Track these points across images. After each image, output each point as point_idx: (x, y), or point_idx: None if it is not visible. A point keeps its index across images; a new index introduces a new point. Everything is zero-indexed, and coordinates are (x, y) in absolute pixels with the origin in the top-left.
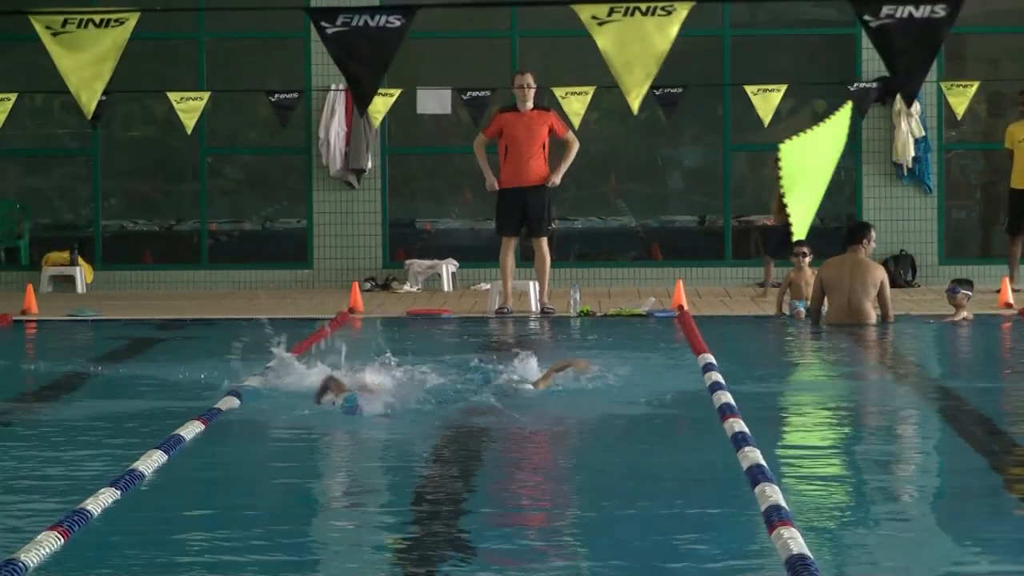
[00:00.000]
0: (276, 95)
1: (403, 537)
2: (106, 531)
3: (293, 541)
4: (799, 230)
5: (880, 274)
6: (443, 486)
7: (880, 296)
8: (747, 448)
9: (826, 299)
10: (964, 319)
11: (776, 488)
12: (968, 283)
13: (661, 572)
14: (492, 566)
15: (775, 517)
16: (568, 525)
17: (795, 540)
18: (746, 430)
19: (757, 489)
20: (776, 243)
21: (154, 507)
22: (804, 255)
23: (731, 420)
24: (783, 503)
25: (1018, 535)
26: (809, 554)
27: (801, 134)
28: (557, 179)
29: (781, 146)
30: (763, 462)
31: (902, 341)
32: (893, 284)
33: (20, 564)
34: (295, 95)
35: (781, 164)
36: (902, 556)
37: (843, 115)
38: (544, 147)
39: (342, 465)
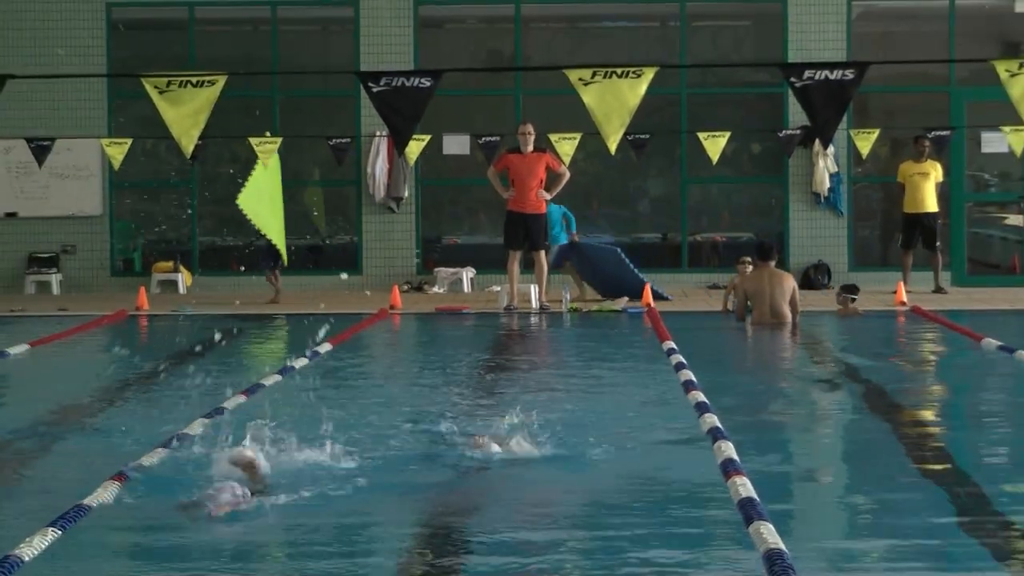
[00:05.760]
0: (333, 140)
1: None
2: None
3: None
4: (283, 251)
5: (792, 282)
6: None
7: (792, 300)
8: (707, 415)
9: (751, 305)
10: (855, 313)
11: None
12: (853, 288)
13: None
14: None
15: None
16: None
17: (769, 530)
18: (707, 401)
19: (729, 483)
20: (268, 257)
21: None
22: (747, 263)
23: (693, 392)
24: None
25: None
26: (782, 546)
27: (245, 184)
28: (548, 196)
29: (239, 202)
30: (720, 424)
31: (815, 333)
32: (811, 287)
33: None
34: (348, 140)
35: (246, 212)
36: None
37: (271, 164)
38: (541, 182)
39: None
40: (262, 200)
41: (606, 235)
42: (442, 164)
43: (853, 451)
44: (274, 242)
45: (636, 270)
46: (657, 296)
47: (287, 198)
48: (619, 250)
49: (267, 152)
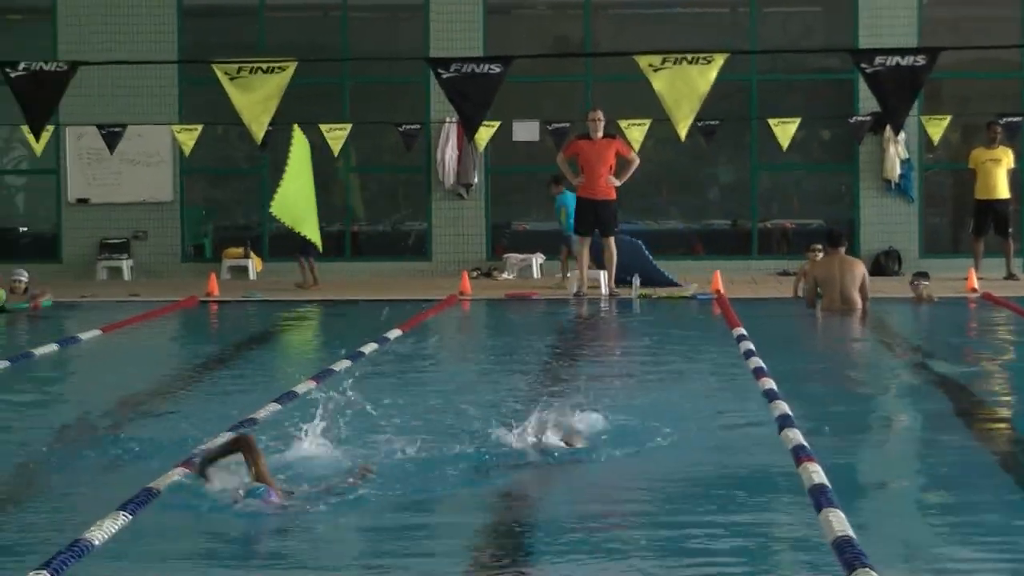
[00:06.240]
0: (403, 126)
1: None
2: None
3: None
4: (319, 244)
5: (863, 269)
6: None
7: (862, 286)
8: (777, 401)
9: (821, 291)
10: (928, 300)
11: (819, 467)
12: (923, 274)
13: None
14: None
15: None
16: None
17: (838, 518)
18: (775, 387)
19: (801, 468)
20: (307, 247)
21: None
22: (817, 251)
23: (763, 379)
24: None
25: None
26: (852, 533)
27: (278, 189)
28: (618, 182)
29: (272, 210)
30: (790, 411)
31: (885, 320)
32: (882, 273)
33: None
34: (418, 126)
35: (280, 219)
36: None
37: (297, 139)
38: (611, 168)
39: None
40: (293, 198)
41: (675, 221)
42: (511, 150)
43: (925, 439)
44: (308, 237)
45: (654, 261)
46: (669, 283)
47: (354, 184)
48: (638, 240)
49: (337, 139)
